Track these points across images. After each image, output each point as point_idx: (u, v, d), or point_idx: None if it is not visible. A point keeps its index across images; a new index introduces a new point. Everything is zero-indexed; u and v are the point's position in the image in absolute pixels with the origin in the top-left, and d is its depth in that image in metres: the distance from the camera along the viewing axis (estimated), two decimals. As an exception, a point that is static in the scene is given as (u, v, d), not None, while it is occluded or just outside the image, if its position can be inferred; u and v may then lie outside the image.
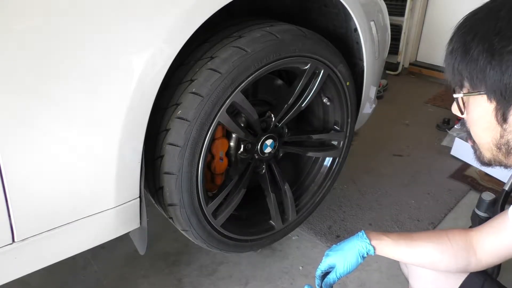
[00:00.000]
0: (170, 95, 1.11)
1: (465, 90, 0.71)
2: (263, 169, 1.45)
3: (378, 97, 3.01)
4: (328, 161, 1.62)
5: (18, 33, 0.78)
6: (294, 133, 1.53)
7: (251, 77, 1.15)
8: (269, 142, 1.38)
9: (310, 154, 1.60)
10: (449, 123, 2.61)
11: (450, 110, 0.81)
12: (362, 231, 0.99)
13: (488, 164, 0.76)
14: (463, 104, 0.73)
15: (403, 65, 3.64)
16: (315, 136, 1.56)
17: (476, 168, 2.18)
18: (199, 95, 1.08)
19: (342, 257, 0.97)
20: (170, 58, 0.97)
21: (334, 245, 1.02)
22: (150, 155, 1.14)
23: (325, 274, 1.01)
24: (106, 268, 1.55)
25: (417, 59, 3.72)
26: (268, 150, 1.40)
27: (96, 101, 0.90)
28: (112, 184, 1.00)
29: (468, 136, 0.76)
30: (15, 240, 0.90)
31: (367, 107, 1.68)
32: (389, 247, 0.96)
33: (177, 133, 1.09)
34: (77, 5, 0.83)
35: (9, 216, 0.87)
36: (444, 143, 2.44)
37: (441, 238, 0.92)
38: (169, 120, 1.10)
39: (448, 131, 2.45)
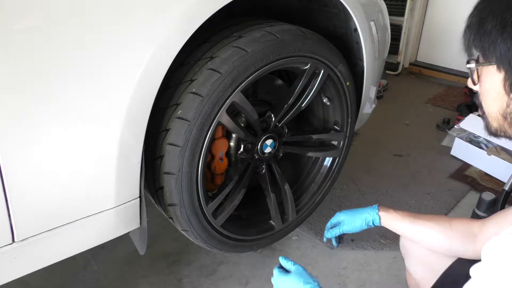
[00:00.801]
0: (170, 95, 1.11)
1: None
2: (263, 169, 1.45)
3: (378, 97, 3.01)
4: (328, 161, 1.62)
5: (18, 33, 0.78)
6: (294, 133, 1.53)
7: (251, 77, 1.15)
8: (269, 142, 1.38)
9: (310, 154, 1.60)
10: (449, 123, 2.61)
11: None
12: (376, 204, 1.15)
13: (495, 134, 0.79)
14: (477, 76, 0.77)
15: (403, 65, 3.64)
16: (315, 136, 1.56)
17: (476, 168, 2.18)
18: (199, 95, 1.08)
19: (350, 217, 1.16)
20: (170, 58, 0.97)
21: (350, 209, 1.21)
22: (150, 155, 1.14)
23: (333, 228, 1.22)
24: (106, 268, 1.55)
25: (417, 59, 3.72)
26: (268, 150, 1.40)
27: (96, 101, 0.90)
28: (112, 184, 1.00)
29: (479, 107, 0.81)
30: (15, 240, 0.90)
31: (367, 107, 1.68)
32: (393, 219, 1.09)
33: (177, 133, 1.09)
34: (77, 4, 0.83)
35: (9, 216, 0.87)
36: (444, 143, 2.44)
37: (443, 221, 1.02)
38: (169, 120, 1.10)
39: (448, 131, 2.45)
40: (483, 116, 0.80)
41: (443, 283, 0.99)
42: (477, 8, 0.73)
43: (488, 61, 0.72)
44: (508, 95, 0.71)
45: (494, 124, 0.77)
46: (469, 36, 0.74)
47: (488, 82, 0.74)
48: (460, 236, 0.97)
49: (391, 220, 1.10)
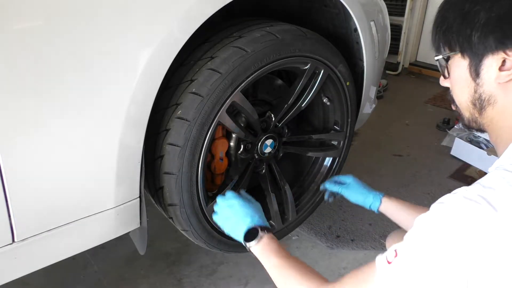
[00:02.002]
0: (170, 95, 1.11)
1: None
2: (263, 169, 1.45)
3: (378, 97, 3.01)
4: (328, 161, 1.62)
5: (18, 33, 0.78)
6: (294, 133, 1.53)
7: (251, 77, 1.15)
8: (269, 142, 1.38)
9: (310, 154, 1.60)
10: (449, 123, 2.61)
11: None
12: (384, 192, 1.20)
13: (468, 125, 0.82)
14: (446, 69, 0.81)
15: (403, 65, 3.64)
16: (315, 136, 1.56)
17: (476, 168, 2.18)
18: (199, 95, 1.08)
19: (357, 186, 1.21)
20: (170, 58, 0.97)
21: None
22: (150, 155, 1.14)
23: (336, 183, 1.27)
24: (106, 268, 1.55)
25: (417, 59, 3.72)
26: (268, 150, 1.40)
27: (96, 101, 0.90)
28: (112, 184, 1.00)
29: (451, 102, 0.85)
30: (15, 240, 0.90)
31: (367, 107, 1.67)
32: (392, 206, 1.16)
33: (177, 133, 1.09)
34: (78, 5, 0.83)
35: (9, 216, 0.87)
36: (444, 143, 2.44)
37: None
38: (169, 120, 1.10)
39: (448, 131, 2.46)
40: (456, 109, 0.84)
41: None
42: (440, 8, 0.79)
43: (453, 51, 0.76)
44: (475, 81, 0.75)
45: (466, 114, 0.81)
46: (435, 34, 0.79)
47: (456, 72, 0.78)
48: None
49: (391, 207, 1.15)
